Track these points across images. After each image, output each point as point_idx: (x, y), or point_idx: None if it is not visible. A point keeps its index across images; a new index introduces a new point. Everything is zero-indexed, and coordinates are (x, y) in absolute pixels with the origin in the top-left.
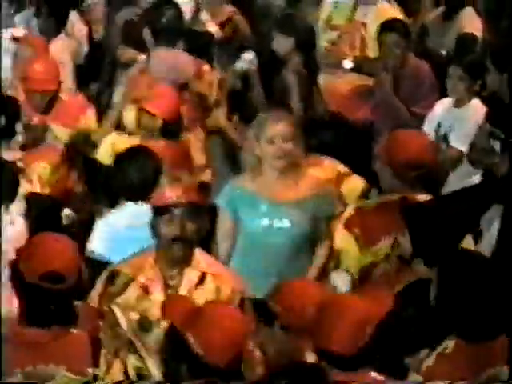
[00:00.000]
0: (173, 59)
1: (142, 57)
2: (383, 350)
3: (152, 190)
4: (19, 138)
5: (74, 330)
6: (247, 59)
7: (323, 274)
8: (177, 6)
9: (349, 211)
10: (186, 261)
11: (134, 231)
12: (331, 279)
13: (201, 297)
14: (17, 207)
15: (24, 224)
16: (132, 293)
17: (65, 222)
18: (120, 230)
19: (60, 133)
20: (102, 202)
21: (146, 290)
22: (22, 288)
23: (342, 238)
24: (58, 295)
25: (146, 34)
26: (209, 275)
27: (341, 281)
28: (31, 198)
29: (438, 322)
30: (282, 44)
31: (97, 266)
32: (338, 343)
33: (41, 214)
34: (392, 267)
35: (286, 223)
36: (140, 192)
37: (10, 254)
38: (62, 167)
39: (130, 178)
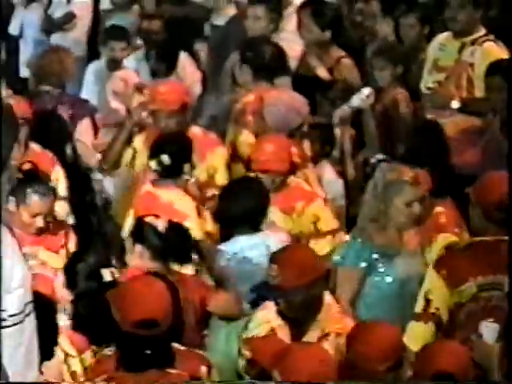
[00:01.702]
0: (289, 100)
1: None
2: None
3: (263, 219)
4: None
5: (172, 371)
6: (365, 94)
7: None
8: (276, 45)
9: (439, 251)
10: (305, 324)
11: (247, 264)
12: (480, 327)
13: None
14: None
15: None
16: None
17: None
18: (233, 264)
19: None
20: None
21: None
22: (116, 335)
23: (432, 280)
24: (153, 340)
25: (245, 71)
26: (332, 334)
27: (490, 331)
28: None
29: None
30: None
31: None
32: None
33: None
34: (479, 308)
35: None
36: (251, 221)
37: None
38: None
39: (242, 206)
